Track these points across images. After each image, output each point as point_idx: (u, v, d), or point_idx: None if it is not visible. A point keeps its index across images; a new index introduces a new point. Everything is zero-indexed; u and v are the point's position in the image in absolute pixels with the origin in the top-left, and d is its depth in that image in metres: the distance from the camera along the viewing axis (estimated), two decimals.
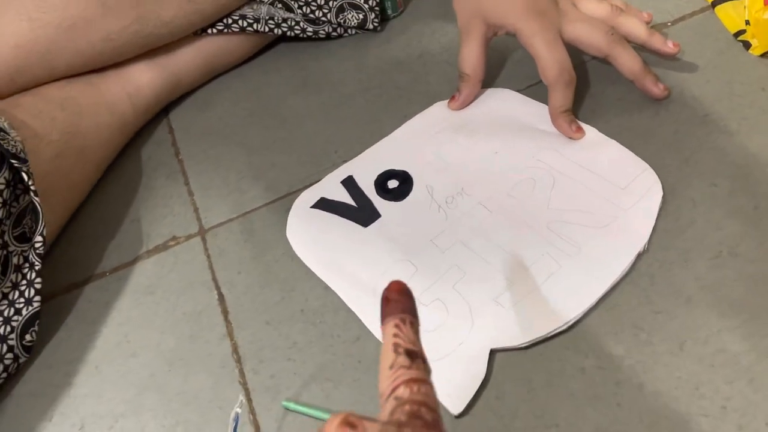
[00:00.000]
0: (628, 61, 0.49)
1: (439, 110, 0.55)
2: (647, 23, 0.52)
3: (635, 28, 0.50)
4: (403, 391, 0.23)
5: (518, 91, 0.55)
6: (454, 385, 0.39)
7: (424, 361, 0.25)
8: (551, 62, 0.47)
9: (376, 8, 0.64)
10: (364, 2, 0.63)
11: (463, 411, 0.38)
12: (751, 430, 0.35)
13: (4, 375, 0.43)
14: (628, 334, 0.39)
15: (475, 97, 0.55)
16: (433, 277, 0.44)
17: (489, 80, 0.56)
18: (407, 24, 0.65)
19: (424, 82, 0.59)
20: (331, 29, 0.64)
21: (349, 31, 0.65)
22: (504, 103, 0.55)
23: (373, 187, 0.51)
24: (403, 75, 0.60)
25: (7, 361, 0.43)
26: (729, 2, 0.55)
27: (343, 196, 0.51)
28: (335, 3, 0.63)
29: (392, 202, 0.49)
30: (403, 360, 0.24)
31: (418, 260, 0.45)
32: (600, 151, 0.48)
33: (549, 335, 0.40)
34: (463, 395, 0.38)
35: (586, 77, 0.54)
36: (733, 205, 0.44)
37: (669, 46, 0.50)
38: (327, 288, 0.45)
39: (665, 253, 0.42)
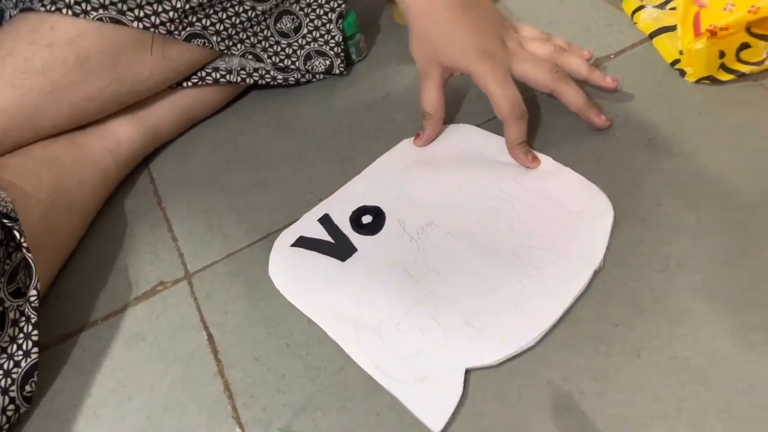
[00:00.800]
0: (571, 96, 0.53)
1: (405, 147, 0.59)
2: (588, 60, 0.56)
3: (577, 65, 0.54)
4: None
5: (478, 125, 0.59)
6: (433, 404, 0.42)
7: None
8: (503, 100, 0.52)
9: (342, 54, 0.68)
10: (330, 49, 0.67)
11: (443, 428, 0.41)
12: (704, 426, 0.38)
13: (6, 425, 0.45)
14: (590, 347, 0.43)
15: (439, 134, 0.59)
16: (409, 305, 0.47)
17: (451, 116, 0.60)
18: (372, 67, 0.70)
19: (390, 121, 0.63)
20: (300, 75, 0.68)
21: (317, 76, 0.69)
22: (466, 137, 0.59)
23: (349, 223, 0.54)
24: (371, 115, 0.64)
25: (9, 413, 0.45)
26: (665, 34, 0.60)
27: (321, 234, 0.54)
28: (303, 51, 0.67)
29: (367, 237, 0.53)
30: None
31: (395, 289, 0.48)
32: (555, 179, 0.52)
33: (518, 352, 0.43)
34: (443, 413, 0.41)
35: (538, 110, 0.58)
36: (678, 221, 0.48)
37: (608, 81, 0.55)
38: (311, 321, 0.48)
39: (619, 269, 0.46)
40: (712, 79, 0.56)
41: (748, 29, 0.54)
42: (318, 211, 0.56)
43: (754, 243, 0.46)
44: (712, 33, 0.53)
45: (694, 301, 0.44)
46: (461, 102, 0.62)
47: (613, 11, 0.65)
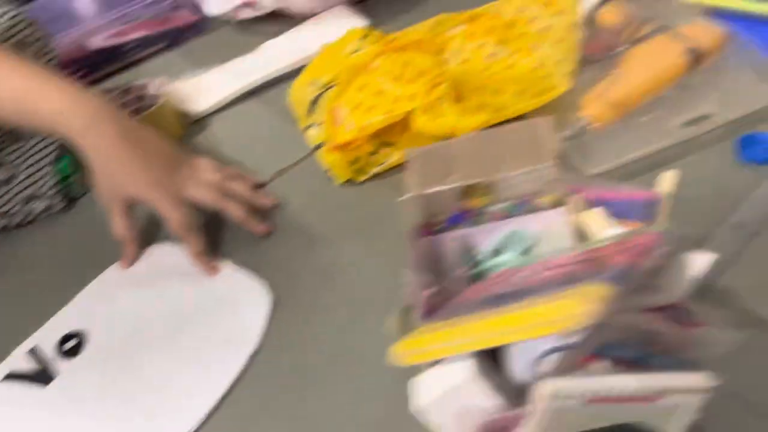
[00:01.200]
0: (234, 212, 0.65)
1: (113, 272, 0.67)
2: (252, 185, 0.69)
3: (239, 190, 0.66)
4: None
5: None
6: None
7: None
8: (174, 221, 0.62)
9: (60, 194, 0.74)
10: (47, 191, 0.74)
11: None
12: None
13: None
14: (245, 426, 0.52)
15: (140, 255, 0.67)
16: (104, 414, 0.55)
17: (154, 236, 0.69)
18: (94, 200, 0.77)
19: (107, 249, 0.70)
20: (20, 219, 0.74)
21: (39, 216, 0.75)
22: (166, 256, 0.68)
23: (54, 350, 0.60)
24: (89, 246, 0.71)
25: None
26: (323, 147, 0.74)
27: (28, 365, 0.60)
28: (20, 196, 0.73)
29: (70, 360, 0.59)
30: None
31: (94, 404, 0.56)
32: (231, 281, 0.63)
33: None
34: None
35: (221, 224, 0.68)
36: (326, 303, 0.60)
37: (264, 201, 0.68)
38: None
39: (273, 350, 0.57)
40: (353, 181, 0.70)
41: (374, 139, 0.69)
42: (28, 344, 0.61)
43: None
44: (342, 146, 0.67)
45: (329, 368, 0.55)
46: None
47: (291, 129, 0.79)
